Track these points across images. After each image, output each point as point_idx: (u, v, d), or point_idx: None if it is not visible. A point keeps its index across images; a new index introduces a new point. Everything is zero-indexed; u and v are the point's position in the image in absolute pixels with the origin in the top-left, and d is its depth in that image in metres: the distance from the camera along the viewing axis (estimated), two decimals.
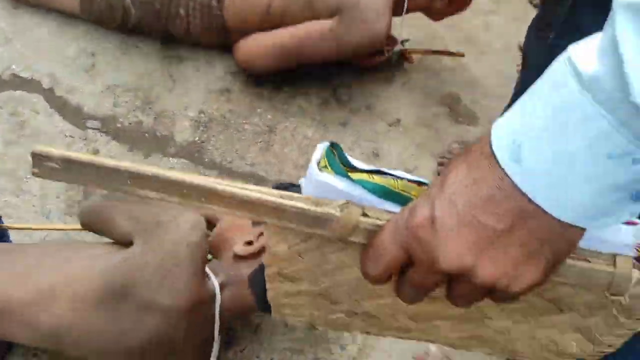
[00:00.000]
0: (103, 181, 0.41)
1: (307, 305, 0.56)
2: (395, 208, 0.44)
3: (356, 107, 1.65)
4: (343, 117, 1.60)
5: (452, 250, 0.38)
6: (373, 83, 1.73)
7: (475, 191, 0.37)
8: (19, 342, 0.89)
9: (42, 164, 0.40)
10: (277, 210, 0.43)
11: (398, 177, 0.46)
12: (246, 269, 0.93)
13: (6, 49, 1.46)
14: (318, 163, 0.46)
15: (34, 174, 0.40)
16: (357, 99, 1.68)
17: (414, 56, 1.82)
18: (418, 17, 1.93)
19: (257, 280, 0.89)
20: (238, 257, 0.94)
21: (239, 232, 0.97)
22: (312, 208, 0.43)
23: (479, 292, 0.41)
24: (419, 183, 0.46)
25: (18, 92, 1.38)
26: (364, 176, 0.45)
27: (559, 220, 0.37)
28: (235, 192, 0.42)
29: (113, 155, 1.34)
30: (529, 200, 0.37)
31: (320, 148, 0.47)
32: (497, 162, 0.37)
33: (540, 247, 0.38)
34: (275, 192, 0.43)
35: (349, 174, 0.45)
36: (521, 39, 2.02)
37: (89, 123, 1.38)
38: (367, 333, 0.60)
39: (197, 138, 1.43)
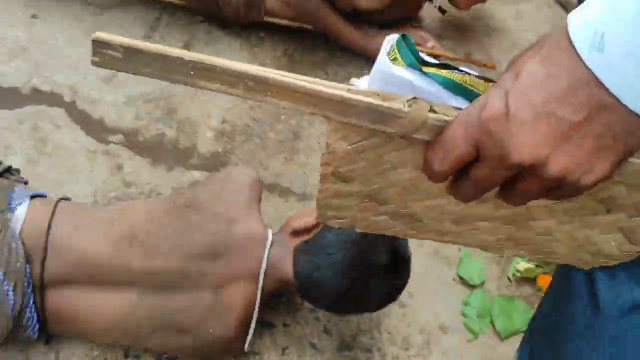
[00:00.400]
0: (165, 72, 0.40)
1: (353, 208, 0.56)
2: (463, 104, 0.43)
3: None
4: None
5: (527, 143, 0.38)
6: None
7: (551, 84, 0.37)
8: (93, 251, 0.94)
9: (102, 51, 0.38)
10: (343, 105, 0.42)
11: (466, 73, 0.45)
12: (296, 244, 1.01)
13: (25, 59, 1.44)
14: (388, 55, 0.44)
15: (93, 62, 0.38)
16: None
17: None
18: (447, 7, 1.86)
19: (300, 254, 0.98)
20: (294, 233, 1.02)
21: (303, 216, 1.04)
22: (380, 103, 0.42)
23: (545, 187, 0.41)
24: (486, 80, 0.45)
25: (39, 107, 1.36)
26: (434, 70, 0.44)
27: (637, 115, 0.37)
28: (300, 85, 0.41)
29: (136, 171, 1.32)
30: (608, 92, 0.36)
31: (391, 40, 0.46)
32: (577, 53, 0.36)
33: (614, 141, 0.38)
34: (342, 85, 0.42)
35: (421, 67, 0.43)
36: (555, 26, 1.94)
37: (112, 137, 1.36)
38: (405, 236, 0.61)
39: (220, 149, 1.40)
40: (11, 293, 0.89)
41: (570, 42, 0.37)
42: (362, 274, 0.96)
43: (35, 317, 0.94)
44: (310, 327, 1.16)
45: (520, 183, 0.41)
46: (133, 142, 1.36)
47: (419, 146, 0.45)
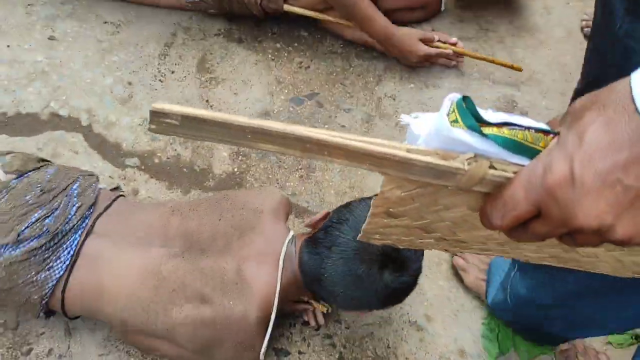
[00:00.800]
0: (222, 135, 0.40)
1: (399, 233, 0.58)
2: (523, 161, 0.43)
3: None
4: (389, 134, 1.51)
5: (592, 210, 0.38)
6: (419, 90, 1.63)
7: (617, 150, 0.37)
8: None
9: (159, 120, 0.39)
10: (403, 164, 0.43)
11: (525, 128, 0.44)
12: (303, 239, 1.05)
13: (43, 83, 1.45)
14: (448, 115, 0.44)
15: (150, 129, 0.40)
16: (403, 110, 1.58)
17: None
18: (470, 5, 1.79)
19: (305, 247, 1.01)
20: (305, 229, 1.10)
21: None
22: (441, 162, 0.43)
23: (606, 242, 0.41)
24: (545, 132, 0.44)
25: (57, 132, 1.38)
26: (494, 130, 0.44)
27: None
28: (359, 146, 0.41)
29: (152, 195, 1.32)
30: None
31: (450, 100, 0.46)
32: None
33: None
34: (402, 145, 0.43)
35: (481, 127, 0.44)
36: (585, 17, 1.84)
37: (128, 161, 1.36)
38: (446, 251, 0.62)
39: (235, 169, 1.39)
40: (74, 209, 1.01)
41: (636, 109, 0.37)
42: (361, 266, 0.93)
43: (67, 261, 0.98)
44: (326, 354, 1.16)
45: (581, 237, 0.41)
46: (148, 165, 1.37)
47: (476, 193, 0.46)
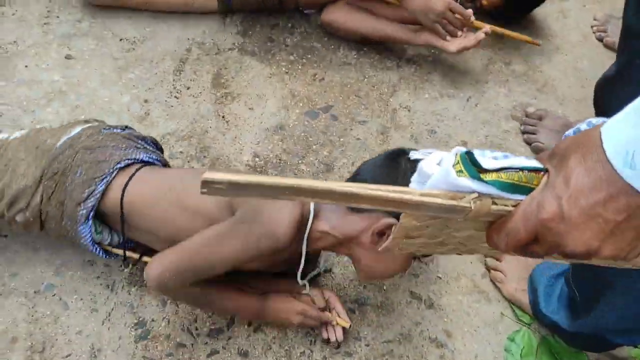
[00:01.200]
0: (264, 194, 0.49)
1: (416, 246, 0.68)
2: (520, 197, 0.54)
3: (418, 131, 1.55)
4: (405, 145, 1.51)
5: (580, 239, 0.49)
6: (434, 100, 1.62)
7: (596, 191, 0.47)
8: None
9: (210, 186, 0.47)
10: (418, 206, 0.53)
11: (520, 169, 0.54)
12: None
13: (61, 103, 1.47)
14: (454, 166, 0.54)
15: (202, 192, 0.47)
16: (419, 121, 1.58)
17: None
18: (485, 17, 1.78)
19: None
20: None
21: None
22: (451, 202, 0.53)
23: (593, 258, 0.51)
24: (537, 171, 0.54)
25: None
26: (494, 176, 0.54)
27: None
28: (380, 195, 0.51)
29: None
30: None
31: (453, 153, 0.56)
32: (613, 168, 0.46)
33: None
34: (415, 191, 0.53)
35: (482, 175, 0.54)
36: (595, 22, 1.82)
37: None
38: (459, 254, 0.75)
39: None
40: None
41: (607, 158, 0.46)
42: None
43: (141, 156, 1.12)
44: None
45: (572, 256, 0.51)
46: None
47: (481, 220, 0.57)
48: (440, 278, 1.28)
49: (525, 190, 0.53)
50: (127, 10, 1.69)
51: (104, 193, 1.07)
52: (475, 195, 0.53)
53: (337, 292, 1.24)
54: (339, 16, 1.66)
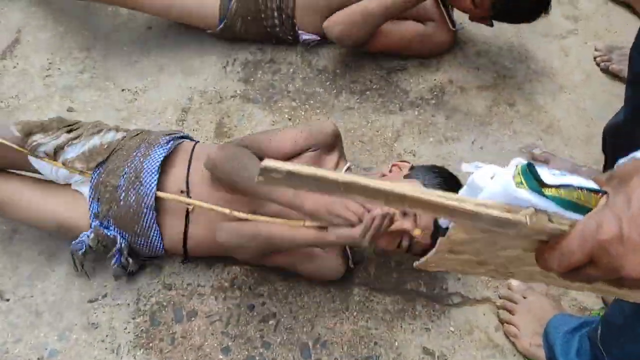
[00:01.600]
0: (318, 187, 0.47)
1: (455, 264, 0.65)
2: (577, 217, 0.51)
3: None
4: None
5: (639, 262, 0.46)
6: (439, 144, 1.61)
7: None
8: None
9: (267, 175, 0.45)
10: (473, 216, 0.50)
11: (578, 188, 0.52)
12: None
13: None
14: (513, 178, 0.52)
15: (258, 181, 0.46)
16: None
17: None
18: (486, 51, 1.78)
19: None
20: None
21: None
22: (506, 216, 0.50)
23: None
24: (595, 192, 0.52)
25: None
26: (553, 191, 0.52)
27: None
28: (435, 201, 0.48)
29: (175, 273, 1.31)
30: None
31: (517, 163, 0.54)
32: None
33: None
34: (470, 200, 0.51)
35: (542, 189, 0.52)
36: (597, 53, 1.82)
37: None
38: (492, 277, 0.75)
39: None
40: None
41: None
42: None
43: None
44: None
45: (628, 282, 0.49)
46: None
47: (532, 239, 0.54)
48: (452, 332, 1.25)
49: (584, 210, 0.52)
50: (129, 59, 1.69)
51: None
52: (532, 210, 0.51)
53: (349, 342, 1.21)
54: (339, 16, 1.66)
